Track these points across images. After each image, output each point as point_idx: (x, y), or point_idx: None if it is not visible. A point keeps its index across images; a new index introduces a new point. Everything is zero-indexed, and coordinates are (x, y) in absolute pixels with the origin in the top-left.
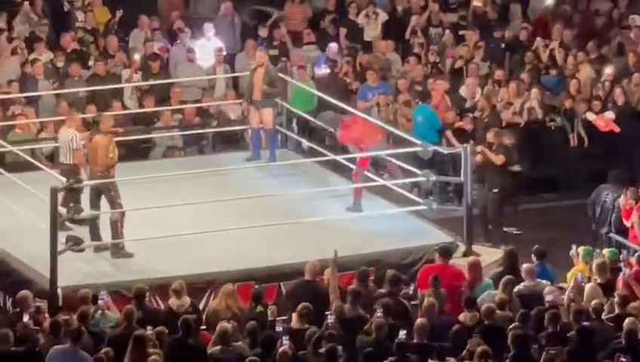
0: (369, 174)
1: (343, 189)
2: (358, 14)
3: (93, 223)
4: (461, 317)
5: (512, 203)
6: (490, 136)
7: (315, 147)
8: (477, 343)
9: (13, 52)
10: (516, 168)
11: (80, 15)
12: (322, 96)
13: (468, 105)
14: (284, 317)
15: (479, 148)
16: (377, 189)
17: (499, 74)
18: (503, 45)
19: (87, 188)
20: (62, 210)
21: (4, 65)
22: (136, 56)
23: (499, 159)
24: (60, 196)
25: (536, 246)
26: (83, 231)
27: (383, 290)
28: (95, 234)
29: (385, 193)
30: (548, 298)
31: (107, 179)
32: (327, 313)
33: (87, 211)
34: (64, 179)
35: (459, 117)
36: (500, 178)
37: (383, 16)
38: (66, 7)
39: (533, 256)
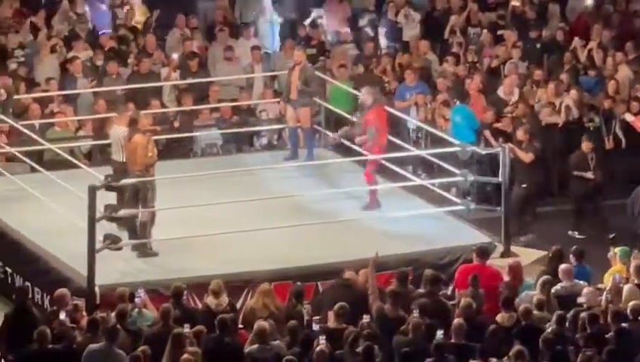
0: (407, 174)
1: (381, 189)
2: (397, 14)
3: (131, 222)
4: (498, 317)
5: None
6: (520, 134)
7: (353, 146)
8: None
9: (53, 50)
10: (589, 175)
11: (120, 13)
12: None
13: (507, 105)
14: (318, 317)
15: (508, 145)
16: (415, 189)
17: (538, 74)
18: (539, 45)
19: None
20: (100, 209)
21: (44, 64)
22: (175, 56)
23: (527, 157)
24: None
25: (574, 246)
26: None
27: (421, 290)
28: (133, 233)
29: (422, 193)
30: (581, 299)
31: (146, 178)
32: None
33: (123, 210)
34: (102, 177)
35: (497, 117)
36: (528, 176)
37: (417, 17)
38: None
39: (571, 256)
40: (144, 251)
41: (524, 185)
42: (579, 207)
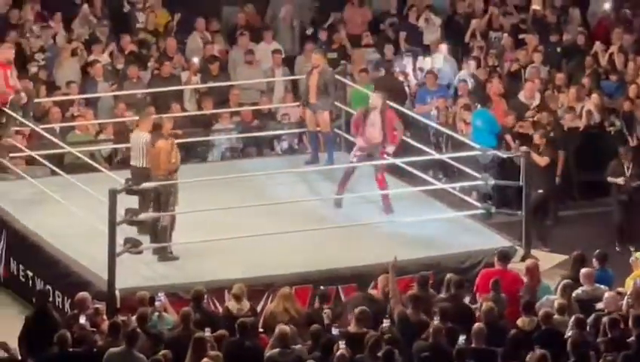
0: (428, 178)
1: (401, 192)
2: (418, 18)
3: (152, 226)
4: (519, 321)
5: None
6: (536, 138)
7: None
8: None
9: (73, 53)
10: (620, 181)
11: (141, 16)
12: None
13: (528, 109)
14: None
15: (523, 149)
16: (435, 193)
17: (559, 78)
18: (559, 49)
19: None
20: (120, 212)
21: (64, 67)
22: (195, 60)
23: (543, 160)
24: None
25: (597, 250)
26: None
27: (443, 295)
28: (154, 237)
29: (443, 197)
30: (600, 304)
31: (167, 184)
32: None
33: (144, 214)
34: (122, 181)
35: (518, 121)
36: (544, 179)
37: (438, 21)
38: (126, 8)
39: (594, 260)
40: (164, 255)
41: (540, 191)
42: (620, 219)
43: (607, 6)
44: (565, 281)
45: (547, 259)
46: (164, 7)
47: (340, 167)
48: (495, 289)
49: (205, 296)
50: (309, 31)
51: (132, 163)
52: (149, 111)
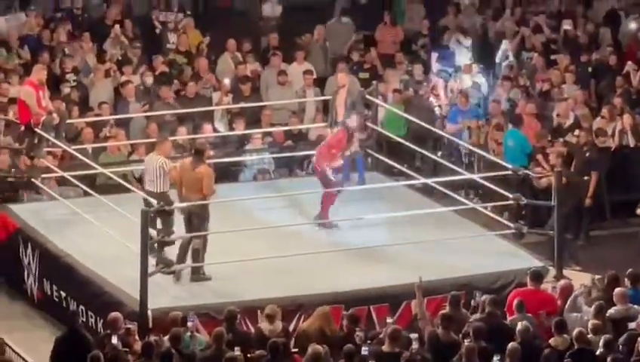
0: (459, 197)
1: (433, 213)
2: (450, 39)
3: (183, 247)
4: (552, 341)
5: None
6: (552, 158)
7: (406, 170)
8: None
9: (107, 74)
10: None
11: (172, 37)
12: (411, 119)
13: (562, 129)
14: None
15: (538, 170)
16: (467, 212)
17: (591, 98)
18: (590, 69)
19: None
20: (152, 233)
21: (97, 88)
22: (227, 81)
23: (542, 182)
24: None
25: (629, 270)
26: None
27: (477, 315)
28: (182, 258)
29: (475, 216)
30: (632, 325)
31: (204, 207)
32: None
33: (176, 234)
34: (155, 202)
35: (550, 141)
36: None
37: (467, 42)
38: (158, 29)
39: (626, 280)
40: (197, 276)
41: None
42: None
43: (633, 26)
44: (599, 303)
45: (579, 278)
46: (197, 28)
47: (370, 187)
48: (519, 311)
49: (238, 317)
50: (341, 51)
51: (147, 188)
52: (166, 136)
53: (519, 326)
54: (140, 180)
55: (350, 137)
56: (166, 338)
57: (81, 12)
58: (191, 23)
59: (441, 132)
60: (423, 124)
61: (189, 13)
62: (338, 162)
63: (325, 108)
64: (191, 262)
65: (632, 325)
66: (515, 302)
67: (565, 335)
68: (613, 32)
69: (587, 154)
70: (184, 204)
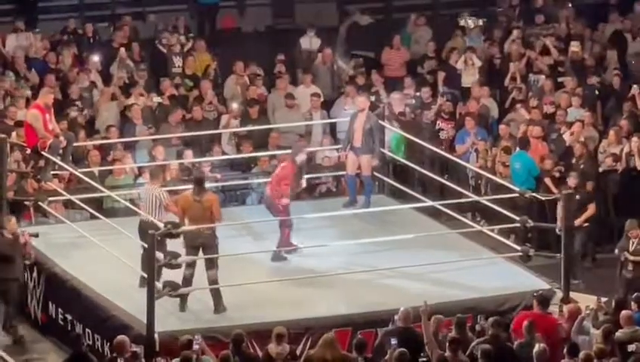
0: (466, 220)
1: (440, 235)
2: (457, 61)
3: (187, 280)
4: None
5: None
6: (570, 181)
7: (412, 193)
8: None
9: (113, 97)
10: None
11: (177, 60)
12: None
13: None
14: None
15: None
16: (474, 235)
17: (597, 120)
18: (596, 92)
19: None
20: (159, 256)
21: (103, 111)
22: (235, 105)
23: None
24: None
25: (636, 293)
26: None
27: (481, 338)
28: (188, 282)
29: (482, 239)
30: (631, 347)
31: (213, 236)
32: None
33: (183, 257)
34: (162, 225)
35: (557, 163)
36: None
37: (478, 63)
38: (164, 52)
39: (632, 303)
40: (218, 308)
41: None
42: None
43: (637, 47)
44: (606, 326)
45: (585, 301)
46: (207, 51)
47: (377, 210)
48: (529, 332)
49: (245, 340)
50: (348, 74)
51: (142, 218)
52: (163, 167)
53: (536, 347)
54: None
55: (298, 172)
56: (176, 360)
57: (92, 34)
58: (202, 45)
59: (446, 154)
60: (429, 146)
61: (191, 35)
62: (287, 198)
63: (332, 131)
64: (212, 296)
65: (631, 347)
66: (525, 324)
67: (576, 359)
68: (620, 54)
69: (582, 167)
70: (192, 227)
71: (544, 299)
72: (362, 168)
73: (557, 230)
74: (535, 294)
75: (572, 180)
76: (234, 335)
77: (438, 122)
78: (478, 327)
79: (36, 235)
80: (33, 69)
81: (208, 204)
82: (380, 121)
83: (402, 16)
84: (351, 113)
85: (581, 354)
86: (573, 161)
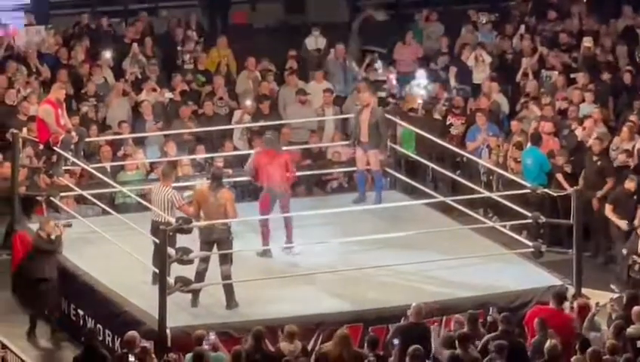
0: (478, 216)
1: (452, 231)
2: (468, 57)
3: (200, 274)
4: (573, 359)
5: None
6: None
7: (424, 188)
8: None
9: (124, 93)
10: None
11: (186, 56)
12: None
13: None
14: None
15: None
16: (485, 231)
17: (609, 117)
18: (607, 88)
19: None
20: (171, 251)
21: (115, 106)
22: (248, 102)
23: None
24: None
25: None
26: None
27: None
28: (201, 278)
29: (493, 235)
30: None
31: (227, 231)
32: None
33: (195, 252)
34: (173, 220)
35: (569, 159)
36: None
37: (488, 59)
38: (178, 47)
39: None
40: (230, 304)
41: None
42: None
43: None
44: (618, 322)
45: (597, 297)
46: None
47: (387, 206)
48: (542, 329)
49: (264, 336)
50: (361, 69)
51: (154, 218)
52: (172, 170)
53: (548, 343)
54: None
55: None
56: (188, 355)
57: (107, 29)
58: (224, 41)
59: (458, 150)
60: (440, 141)
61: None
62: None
63: (345, 127)
64: (224, 291)
65: None
66: (536, 321)
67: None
68: (630, 50)
69: (598, 163)
70: (203, 223)
71: (559, 296)
72: (371, 163)
73: None
74: (552, 290)
75: (630, 183)
76: (254, 332)
77: (448, 117)
78: (490, 318)
79: (70, 225)
80: (45, 64)
81: (222, 200)
82: (389, 116)
83: (414, 12)
84: (357, 109)
85: (589, 350)
86: (592, 157)
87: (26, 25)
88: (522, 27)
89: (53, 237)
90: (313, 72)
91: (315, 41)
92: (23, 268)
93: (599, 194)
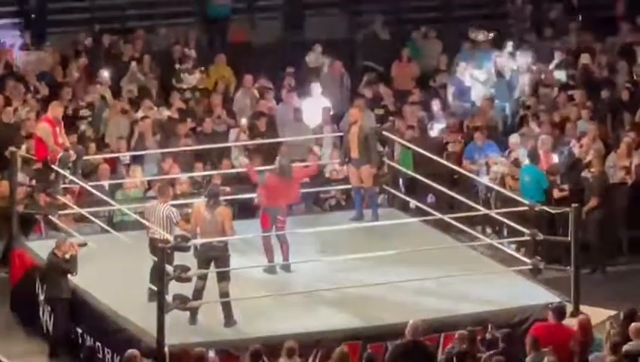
0: (476, 233)
1: (450, 249)
2: (464, 74)
3: (198, 291)
4: None
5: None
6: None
7: (422, 206)
8: None
9: (123, 111)
10: None
11: (185, 74)
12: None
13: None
14: None
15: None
16: (483, 248)
17: (607, 133)
18: (605, 104)
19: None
20: (169, 269)
21: (113, 124)
22: (244, 120)
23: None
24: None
25: None
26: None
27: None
28: (199, 295)
29: (491, 252)
30: None
31: (225, 249)
32: None
33: (193, 270)
34: (171, 238)
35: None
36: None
37: (482, 77)
38: (176, 65)
39: None
40: (229, 321)
41: None
42: None
43: None
44: (616, 339)
45: (596, 314)
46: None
47: (384, 224)
48: (534, 348)
49: (263, 355)
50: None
51: (154, 236)
52: (168, 188)
53: (546, 360)
54: None
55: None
56: None
57: (107, 47)
58: (222, 58)
59: (457, 168)
60: (438, 159)
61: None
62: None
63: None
64: (221, 308)
65: None
66: (528, 340)
67: None
68: (629, 67)
69: (590, 180)
70: (201, 241)
71: (559, 311)
72: (363, 180)
73: None
74: (550, 306)
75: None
76: (252, 350)
77: (444, 136)
78: (488, 336)
79: (85, 244)
80: (43, 82)
81: (220, 217)
82: (387, 134)
83: (412, 29)
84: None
85: None
86: (588, 174)
87: (22, 46)
88: (509, 44)
89: (67, 256)
90: (310, 88)
91: (316, 58)
92: (31, 286)
93: (584, 210)
